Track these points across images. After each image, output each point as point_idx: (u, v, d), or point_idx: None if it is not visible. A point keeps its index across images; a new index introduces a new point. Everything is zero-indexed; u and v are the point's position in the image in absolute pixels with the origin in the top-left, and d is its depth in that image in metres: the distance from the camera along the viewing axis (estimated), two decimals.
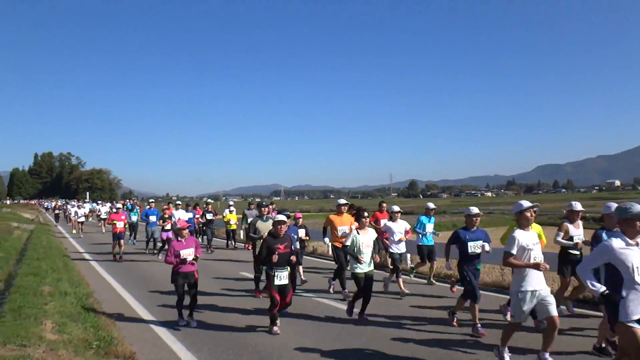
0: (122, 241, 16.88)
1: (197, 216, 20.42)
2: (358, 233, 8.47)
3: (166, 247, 14.61)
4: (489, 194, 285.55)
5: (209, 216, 20.54)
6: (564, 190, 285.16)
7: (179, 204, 19.39)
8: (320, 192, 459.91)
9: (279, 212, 9.15)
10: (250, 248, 19.28)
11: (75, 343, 6.66)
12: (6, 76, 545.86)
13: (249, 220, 19.46)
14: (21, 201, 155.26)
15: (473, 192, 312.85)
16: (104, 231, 29.53)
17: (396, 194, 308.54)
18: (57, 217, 42.62)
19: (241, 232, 21.85)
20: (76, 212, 30.00)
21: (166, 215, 16.87)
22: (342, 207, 11.10)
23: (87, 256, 18.11)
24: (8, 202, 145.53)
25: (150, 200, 21.84)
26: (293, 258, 7.86)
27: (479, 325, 7.46)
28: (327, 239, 11.72)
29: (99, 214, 34.25)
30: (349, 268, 8.74)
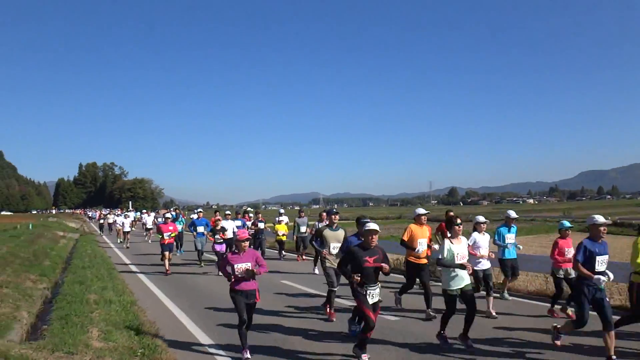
0: (169, 254, 16.09)
1: (247, 224, 19.66)
2: (452, 243, 7.50)
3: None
4: (531, 200, 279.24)
5: (261, 225, 19.55)
6: (608, 196, 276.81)
7: (229, 214, 18.73)
8: (359, 199, 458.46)
9: (358, 220, 8.50)
10: (301, 259, 18.97)
11: (120, 351, 6.78)
12: (52, 90, 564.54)
13: (301, 228, 19.08)
14: (66, 210, 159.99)
15: (514, 199, 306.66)
16: (150, 241, 29.26)
17: (436, 202, 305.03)
18: (101, 226, 41.93)
19: (303, 239, 19.63)
20: (123, 223, 28.97)
21: (218, 227, 15.77)
22: (423, 218, 9.79)
23: (133, 268, 17.59)
24: (54, 211, 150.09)
25: (198, 210, 20.57)
26: (385, 267, 6.83)
27: (613, 357, 6.36)
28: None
29: (145, 223, 33.64)
30: (443, 285, 7.54)
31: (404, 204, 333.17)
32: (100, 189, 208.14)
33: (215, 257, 16.38)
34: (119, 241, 29.54)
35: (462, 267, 7.33)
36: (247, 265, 6.93)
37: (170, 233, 16.30)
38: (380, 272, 6.87)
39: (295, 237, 19.41)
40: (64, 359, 5.99)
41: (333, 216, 9.66)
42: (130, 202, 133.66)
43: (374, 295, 6.75)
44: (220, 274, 14.15)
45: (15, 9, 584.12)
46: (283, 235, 19.71)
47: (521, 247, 11.27)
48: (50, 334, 7.29)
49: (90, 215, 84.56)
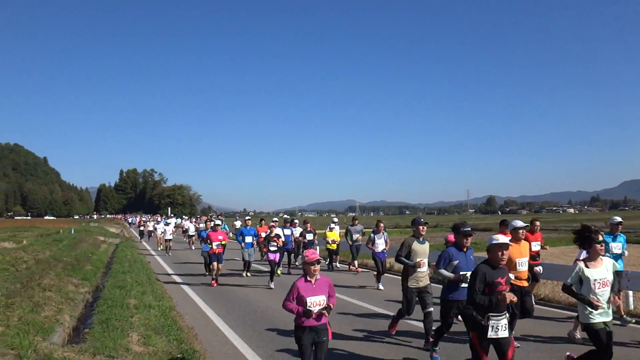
0: (219, 265, 15.00)
1: (293, 231, 18.81)
2: (587, 266, 5.75)
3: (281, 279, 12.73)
4: (572, 210, 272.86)
5: (309, 236, 18.31)
6: None
7: (276, 221, 18.01)
8: (395, 207, 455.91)
9: (457, 227, 7.03)
10: (352, 268, 17.91)
11: (159, 355, 6.83)
12: (95, 98, 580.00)
13: (354, 237, 17.74)
14: (107, 216, 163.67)
15: (554, 208, 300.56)
16: (193, 248, 28.79)
17: (473, 211, 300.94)
18: (141, 233, 39.50)
19: (357, 249, 18.14)
20: (164, 230, 27.46)
21: (272, 234, 14.68)
22: (521, 232, 7.78)
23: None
24: (95, 216, 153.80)
25: (247, 217, 18.68)
26: (514, 297, 5.25)
27: None
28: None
29: (187, 229, 32.12)
30: (582, 319, 5.83)
31: (441, 212, 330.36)
32: (140, 195, 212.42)
33: (263, 268, 15.91)
34: (159, 248, 28.77)
35: (590, 304, 5.57)
36: (322, 299, 5.36)
37: (220, 242, 15.19)
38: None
39: (349, 244, 17.96)
40: None
41: (421, 227, 8.18)
42: (169, 208, 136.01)
43: (498, 327, 5.21)
44: (272, 286, 14.01)
45: (53, 17, 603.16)
46: (334, 243, 18.41)
47: (627, 252, 9.68)
48: (91, 338, 7.40)
49: (130, 221, 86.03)
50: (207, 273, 16.53)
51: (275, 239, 14.67)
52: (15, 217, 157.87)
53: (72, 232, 37.09)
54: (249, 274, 16.64)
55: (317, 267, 5.34)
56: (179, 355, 6.90)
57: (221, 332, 8.94)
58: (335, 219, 19.88)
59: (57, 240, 27.92)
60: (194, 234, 29.80)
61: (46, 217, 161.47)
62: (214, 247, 14.94)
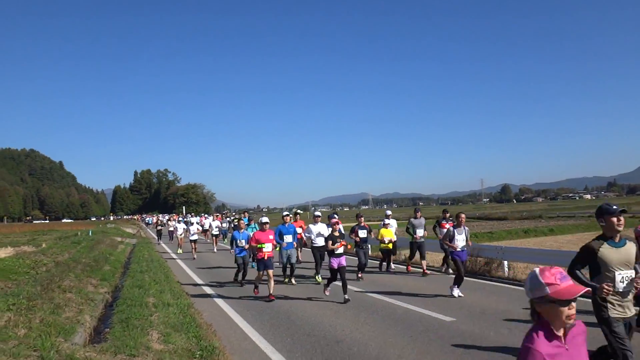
0: (271, 272, 11.83)
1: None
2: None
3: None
4: (588, 196, 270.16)
5: (361, 233, 15.10)
6: None
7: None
8: (408, 199, 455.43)
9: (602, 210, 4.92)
10: (413, 268, 15.73)
11: (179, 353, 6.90)
12: (107, 101, 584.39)
13: (418, 232, 15.51)
14: (124, 217, 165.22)
15: (570, 194, 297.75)
16: (215, 250, 26.44)
17: (488, 200, 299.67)
18: (159, 233, 37.17)
19: (420, 247, 15.76)
20: (185, 229, 25.97)
21: (336, 234, 11.46)
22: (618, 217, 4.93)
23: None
24: (111, 217, 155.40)
25: (285, 213, 15.94)
26: None
27: None
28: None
29: (209, 229, 29.89)
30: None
31: (455, 202, 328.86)
32: (154, 195, 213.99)
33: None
34: (178, 251, 26.62)
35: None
36: None
37: (271, 245, 12.12)
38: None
39: (413, 239, 15.74)
40: None
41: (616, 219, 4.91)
42: (184, 207, 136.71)
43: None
44: (328, 292, 11.59)
45: (66, 22, 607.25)
46: (390, 242, 15.93)
47: None
48: (112, 337, 7.49)
49: (147, 221, 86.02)
50: (240, 282, 14.16)
51: (339, 242, 11.44)
52: (34, 221, 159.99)
53: (90, 234, 37.49)
54: (293, 281, 14.21)
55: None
56: (198, 353, 6.96)
57: (239, 328, 9.00)
58: (389, 212, 16.81)
59: (76, 242, 28.23)
60: (217, 233, 27.81)
61: (64, 220, 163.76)
62: (265, 250, 11.85)
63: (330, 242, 11.29)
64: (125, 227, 59.87)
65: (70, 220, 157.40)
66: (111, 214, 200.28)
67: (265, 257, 11.77)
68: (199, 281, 15.51)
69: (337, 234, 11.47)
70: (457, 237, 11.48)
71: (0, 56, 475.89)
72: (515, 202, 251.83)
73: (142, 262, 18.94)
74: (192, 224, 25.27)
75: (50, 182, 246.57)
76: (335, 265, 11.20)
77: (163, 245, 33.17)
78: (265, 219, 12.62)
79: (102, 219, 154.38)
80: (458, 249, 11.48)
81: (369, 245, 16.72)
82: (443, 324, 8.74)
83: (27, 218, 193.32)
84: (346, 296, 10.85)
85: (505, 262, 14.33)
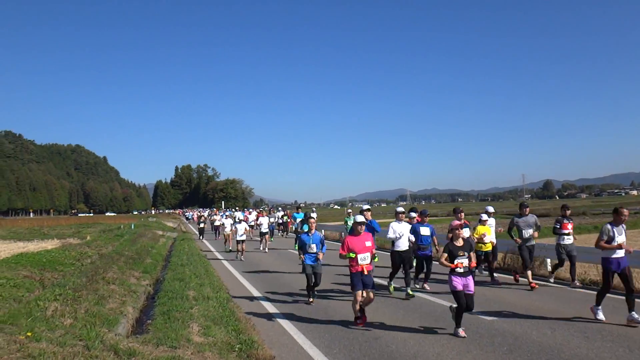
0: (372, 293, 8.50)
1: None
2: None
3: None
4: (635, 192, 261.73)
5: (466, 232, 11.53)
6: None
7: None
8: (447, 195, 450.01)
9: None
10: (529, 283, 11.64)
11: (219, 346, 6.99)
12: (150, 98, 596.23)
13: (525, 232, 11.97)
14: (165, 211, 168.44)
15: (616, 191, 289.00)
16: (266, 250, 23.10)
17: (529, 196, 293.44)
18: (201, 230, 33.65)
19: (530, 251, 12.19)
20: (233, 227, 23.03)
21: (458, 243, 8.13)
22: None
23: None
24: (153, 211, 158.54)
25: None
26: None
27: None
28: None
29: (259, 225, 25.56)
30: None
31: (495, 198, 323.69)
32: (194, 190, 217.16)
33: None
34: (226, 249, 24.23)
35: None
36: None
37: (372, 253, 8.87)
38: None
39: (517, 242, 12.16)
40: (167, 352, 6.24)
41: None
42: (222, 202, 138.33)
43: None
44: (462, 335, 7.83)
45: (118, 32, 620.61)
46: (490, 242, 12.92)
47: None
48: (154, 329, 7.64)
49: (187, 216, 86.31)
50: (309, 298, 10.86)
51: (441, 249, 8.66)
52: (79, 214, 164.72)
53: (132, 227, 38.31)
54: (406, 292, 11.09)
55: None
56: (237, 346, 7.03)
57: (278, 323, 9.05)
58: (490, 208, 13.91)
59: (119, 235, 28.94)
60: (266, 230, 24.12)
61: (107, 214, 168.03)
62: (362, 262, 8.55)
63: (445, 255, 8.08)
64: (166, 221, 60.96)
65: (113, 214, 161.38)
66: (152, 208, 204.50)
67: (365, 272, 8.50)
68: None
69: (460, 243, 8.14)
70: (617, 237, 8.66)
71: (48, 57, 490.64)
72: (557, 198, 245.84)
73: (183, 255, 19.26)
74: (239, 221, 21.97)
75: (94, 177, 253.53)
76: (460, 288, 7.85)
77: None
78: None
79: (144, 212, 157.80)
80: (614, 256, 8.56)
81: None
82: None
83: (73, 211, 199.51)
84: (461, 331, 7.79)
85: (548, 260, 13.99)
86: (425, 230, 11.87)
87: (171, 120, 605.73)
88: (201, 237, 32.97)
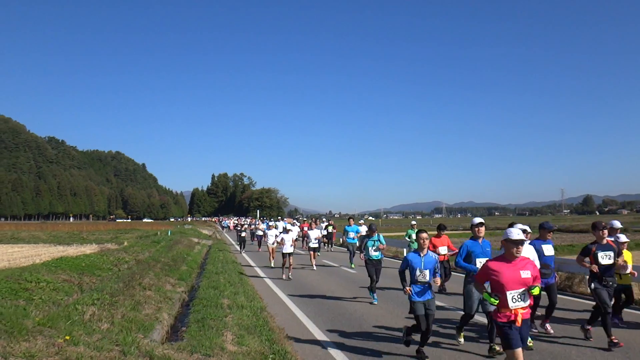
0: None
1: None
2: None
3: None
4: None
5: (547, 250, 9.01)
6: None
7: (526, 231, 8.79)
8: (484, 209, 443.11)
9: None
10: None
11: (252, 355, 6.97)
12: (189, 107, 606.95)
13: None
14: (202, 218, 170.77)
15: None
16: (314, 267, 19.58)
17: (568, 211, 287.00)
18: (242, 240, 29.33)
19: None
20: (279, 238, 19.27)
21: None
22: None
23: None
24: (189, 219, 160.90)
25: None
26: None
27: None
28: None
29: (305, 237, 23.57)
30: None
31: (533, 213, 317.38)
32: (230, 198, 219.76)
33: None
34: (272, 265, 20.64)
35: None
36: None
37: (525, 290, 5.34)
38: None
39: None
40: None
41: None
42: (258, 211, 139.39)
43: None
44: None
45: (154, 38, 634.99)
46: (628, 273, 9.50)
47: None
48: (188, 336, 7.68)
49: (223, 225, 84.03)
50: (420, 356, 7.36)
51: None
52: (117, 220, 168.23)
53: (169, 234, 38.87)
54: None
55: None
56: (271, 356, 7.00)
57: (311, 334, 8.99)
58: (617, 223, 9.92)
59: (155, 241, 29.36)
60: (316, 245, 20.34)
61: (144, 220, 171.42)
62: (514, 304, 5.29)
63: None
64: (202, 229, 61.70)
65: (150, 220, 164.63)
66: (189, 215, 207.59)
67: (519, 320, 5.25)
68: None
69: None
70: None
71: (89, 67, 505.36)
72: (598, 213, 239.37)
73: (218, 263, 19.38)
74: (286, 231, 18.31)
75: (133, 183, 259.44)
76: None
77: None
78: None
79: (180, 220, 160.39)
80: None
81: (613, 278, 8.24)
82: None
83: (111, 217, 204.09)
84: None
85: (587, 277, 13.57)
86: (548, 249, 9.06)
87: (209, 129, 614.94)
88: (241, 248, 29.09)
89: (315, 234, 20.57)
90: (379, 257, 12.40)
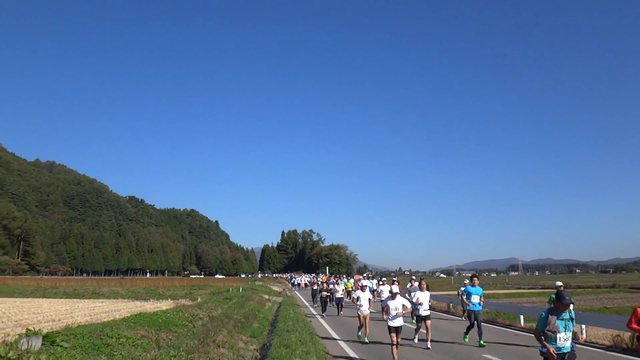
0: None
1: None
2: None
3: None
4: None
5: None
6: None
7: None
8: (563, 266, 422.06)
9: None
10: None
11: None
12: (259, 166, 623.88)
13: None
14: (273, 275, 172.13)
15: None
16: (416, 340, 14.96)
17: None
18: (324, 302, 24.95)
19: None
20: (369, 300, 15.69)
21: None
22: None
23: None
24: (259, 275, 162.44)
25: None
26: None
27: None
28: None
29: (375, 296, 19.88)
30: None
31: (617, 270, 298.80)
32: (299, 255, 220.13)
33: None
34: (359, 335, 15.32)
35: None
36: None
37: None
38: None
39: None
40: None
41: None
42: (327, 268, 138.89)
43: None
44: None
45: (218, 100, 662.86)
46: None
47: None
48: None
49: (293, 282, 76.95)
50: None
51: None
52: (191, 276, 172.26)
53: (241, 290, 39.33)
54: None
55: None
56: None
57: None
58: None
59: (228, 298, 29.82)
60: (428, 313, 15.01)
61: (216, 276, 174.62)
62: None
63: None
64: (272, 285, 62.09)
65: (222, 276, 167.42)
66: (259, 271, 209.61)
67: None
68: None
69: None
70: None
71: (167, 132, 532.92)
72: None
73: (289, 320, 19.39)
74: (364, 288, 16.08)
75: (206, 240, 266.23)
76: None
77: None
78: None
79: (251, 276, 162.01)
80: None
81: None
82: None
83: (185, 272, 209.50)
84: None
85: None
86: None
87: (279, 187, 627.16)
88: (322, 310, 24.50)
89: (425, 297, 15.12)
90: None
